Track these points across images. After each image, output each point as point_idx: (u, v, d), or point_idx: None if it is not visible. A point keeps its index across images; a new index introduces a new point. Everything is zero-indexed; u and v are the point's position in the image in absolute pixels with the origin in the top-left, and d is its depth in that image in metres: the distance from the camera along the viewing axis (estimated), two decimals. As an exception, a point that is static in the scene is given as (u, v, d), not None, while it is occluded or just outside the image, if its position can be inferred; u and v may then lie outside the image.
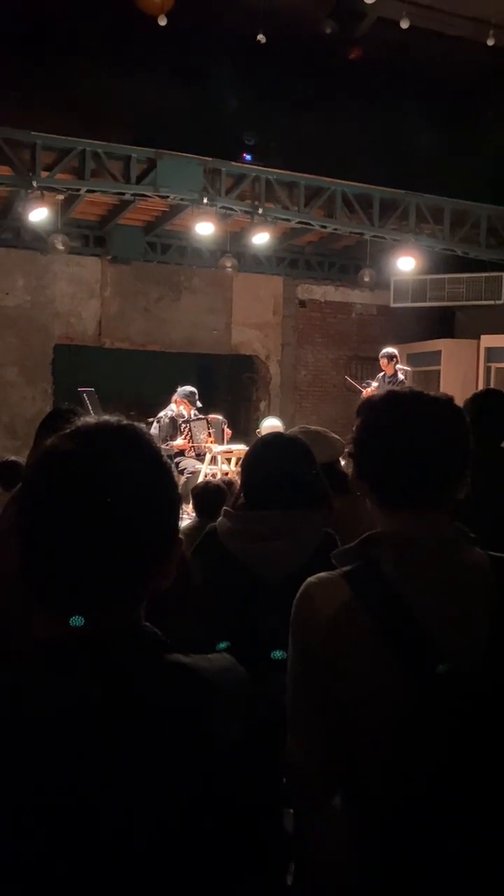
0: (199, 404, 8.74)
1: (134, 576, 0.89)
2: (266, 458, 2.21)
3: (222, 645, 1.84)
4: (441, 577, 1.19)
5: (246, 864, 0.88)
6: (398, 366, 9.71)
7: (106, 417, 0.94)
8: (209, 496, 4.35)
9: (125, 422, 0.95)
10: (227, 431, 9.08)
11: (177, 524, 0.96)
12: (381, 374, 9.64)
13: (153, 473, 0.92)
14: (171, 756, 0.83)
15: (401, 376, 9.49)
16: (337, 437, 2.88)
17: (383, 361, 9.56)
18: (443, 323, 12.31)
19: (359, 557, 1.22)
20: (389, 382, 9.35)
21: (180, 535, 0.96)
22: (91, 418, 0.94)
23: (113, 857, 0.81)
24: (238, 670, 0.93)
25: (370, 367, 10.14)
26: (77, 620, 0.86)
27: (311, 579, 1.25)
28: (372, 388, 9.53)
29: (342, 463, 2.95)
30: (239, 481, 2.34)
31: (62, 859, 0.80)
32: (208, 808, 0.84)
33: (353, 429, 1.32)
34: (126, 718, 0.84)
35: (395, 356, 9.59)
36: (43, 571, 0.88)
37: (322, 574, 1.25)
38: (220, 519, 2.21)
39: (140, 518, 0.88)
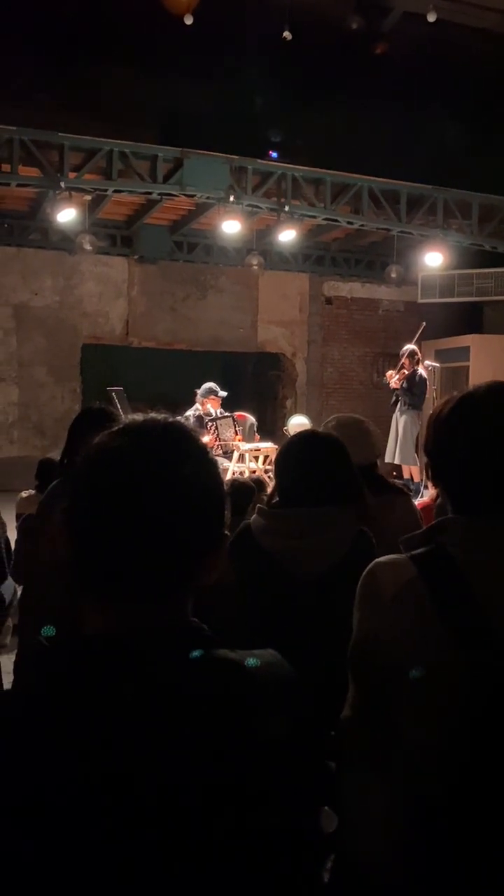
0: (222, 393, 8.60)
1: (182, 571, 0.90)
2: (300, 455, 2.21)
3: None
4: None
5: (283, 860, 0.88)
6: (427, 362, 9.59)
7: (152, 415, 0.95)
8: (238, 493, 4.36)
9: (171, 419, 0.96)
10: (257, 437, 9.02)
11: (223, 519, 0.96)
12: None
13: (201, 470, 0.93)
14: (215, 750, 0.84)
15: (423, 372, 9.34)
16: (374, 430, 2.84)
17: (405, 361, 9.40)
18: (471, 318, 12.20)
19: (427, 542, 1.24)
20: (409, 383, 9.19)
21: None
22: (138, 416, 0.96)
23: (152, 848, 0.81)
24: (284, 666, 0.94)
25: (397, 364, 10.07)
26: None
27: (378, 560, 1.28)
28: (391, 374, 9.41)
29: (378, 465, 2.91)
30: (267, 479, 2.34)
31: (99, 848, 0.81)
32: (250, 801, 0.85)
33: (431, 432, 1.31)
34: (173, 712, 0.84)
35: (414, 352, 9.34)
36: (93, 566, 0.89)
37: (390, 555, 1.28)
38: (254, 516, 2.21)
39: (189, 513, 0.89)
